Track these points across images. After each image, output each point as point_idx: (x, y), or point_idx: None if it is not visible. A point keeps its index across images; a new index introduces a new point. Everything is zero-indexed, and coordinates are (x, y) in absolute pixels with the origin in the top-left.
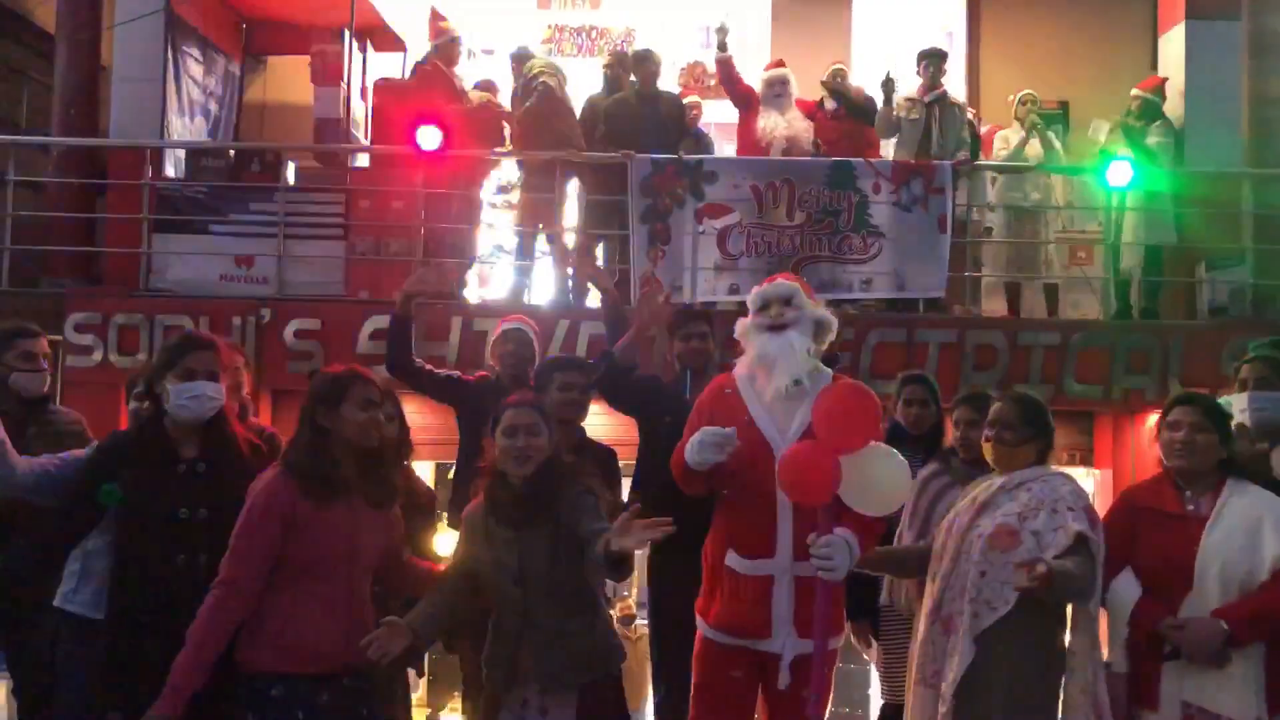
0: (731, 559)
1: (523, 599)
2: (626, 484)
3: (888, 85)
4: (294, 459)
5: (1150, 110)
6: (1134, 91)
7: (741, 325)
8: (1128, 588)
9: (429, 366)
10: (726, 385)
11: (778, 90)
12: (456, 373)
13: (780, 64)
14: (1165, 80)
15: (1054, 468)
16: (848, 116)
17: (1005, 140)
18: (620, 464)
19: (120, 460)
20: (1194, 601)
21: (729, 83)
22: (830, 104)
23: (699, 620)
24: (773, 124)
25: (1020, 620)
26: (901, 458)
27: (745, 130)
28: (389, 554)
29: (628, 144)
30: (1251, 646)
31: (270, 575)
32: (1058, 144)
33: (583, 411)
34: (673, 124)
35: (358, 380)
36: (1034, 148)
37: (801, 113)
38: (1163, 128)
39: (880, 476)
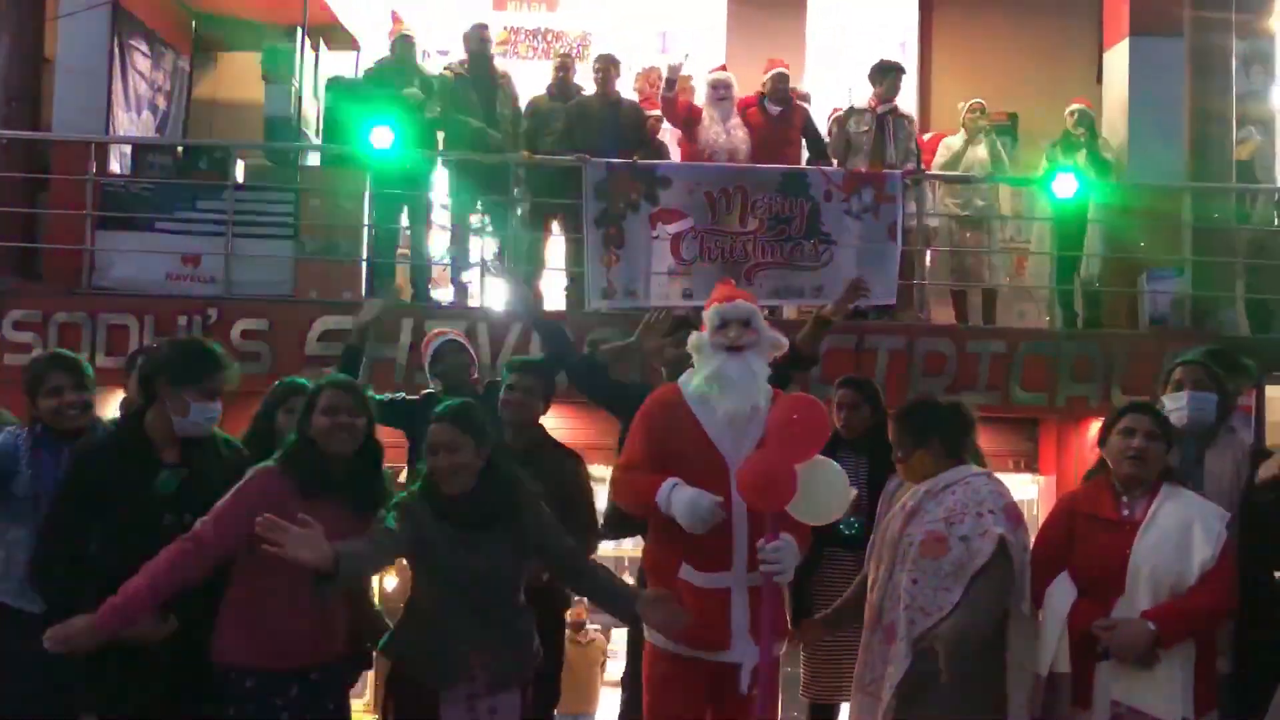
0: (686, 572)
1: (480, 599)
2: (600, 490)
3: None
4: (290, 456)
5: (1087, 122)
6: (1070, 108)
7: (695, 340)
8: (1063, 591)
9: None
10: (673, 399)
11: (721, 94)
12: (401, 394)
13: (723, 68)
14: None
15: (973, 467)
16: (784, 119)
17: (948, 147)
18: (590, 468)
19: (104, 463)
20: (1125, 604)
21: (670, 116)
22: (773, 108)
23: (648, 632)
24: (713, 137)
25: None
26: (839, 468)
27: (687, 144)
28: None
29: (587, 147)
30: (1180, 648)
31: (242, 560)
32: (1004, 154)
33: (529, 413)
34: (632, 131)
35: (324, 390)
36: (976, 154)
37: (740, 118)
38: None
39: (824, 486)
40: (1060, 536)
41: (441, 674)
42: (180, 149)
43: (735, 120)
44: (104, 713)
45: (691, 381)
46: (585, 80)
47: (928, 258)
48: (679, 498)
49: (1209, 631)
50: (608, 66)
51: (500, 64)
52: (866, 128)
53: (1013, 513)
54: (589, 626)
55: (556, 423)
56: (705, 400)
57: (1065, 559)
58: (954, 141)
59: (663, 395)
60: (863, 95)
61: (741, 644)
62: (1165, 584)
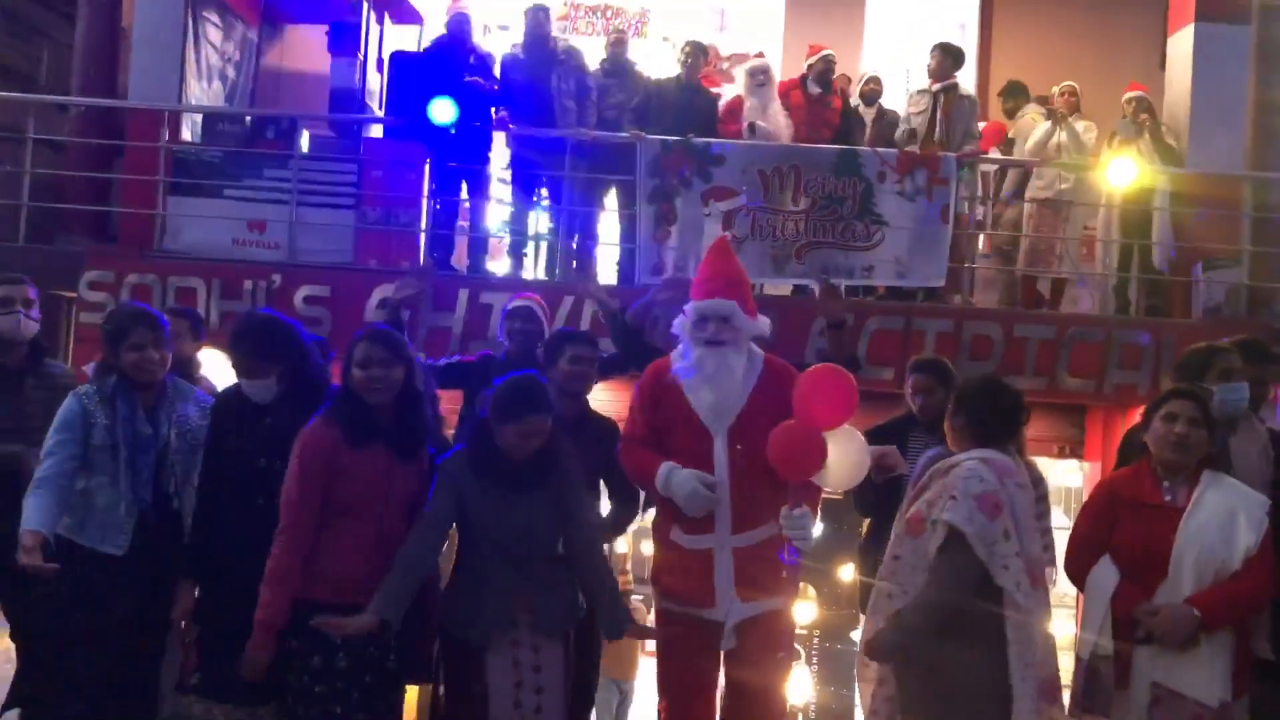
0: (676, 534)
1: (524, 555)
2: None
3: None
4: (334, 407)
5: (1145, 108)
6: (1127, 95)
7: (681, 324)
8: (1106, 574)
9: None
10: (663, 372)
11: (760, 80)
12: (456, 356)
13: (760, 55)
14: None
15: (989, 452)
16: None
17: (1034, 131)
18: None
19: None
20: (1168, 588)
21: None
22: (814, 89)
23: (653, 591)
24: (751, 124)
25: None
26: (862, 438)
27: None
28: (420, 499)
29: (658, 129)
30: (1220, 632)
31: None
32: (1083, 137)
33: (590, 384)
34: (705, 121)
35: (359, 342)
36: (1060, 139)
37: (781, 103)
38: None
39: (845, 455)
40: (1101, 521)
41: (486, 626)
42: (248, 119)
43: (776, 105)
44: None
45: (677, 363)
46: (639, 56)
47: (980, 241)
48: (677, 482)
49: (1250, 617)
50: (696, 54)
51: (566, 40)
52: (923, 108)
53: (986, 502)
54: (632, 598)
55: (597, 393)
56: (689, 375)
57: (1106, 543)
58: (1038, 126)
59: (655, 369)
60: (920, 77)
61: (725, 602)
62: (1209, 570)
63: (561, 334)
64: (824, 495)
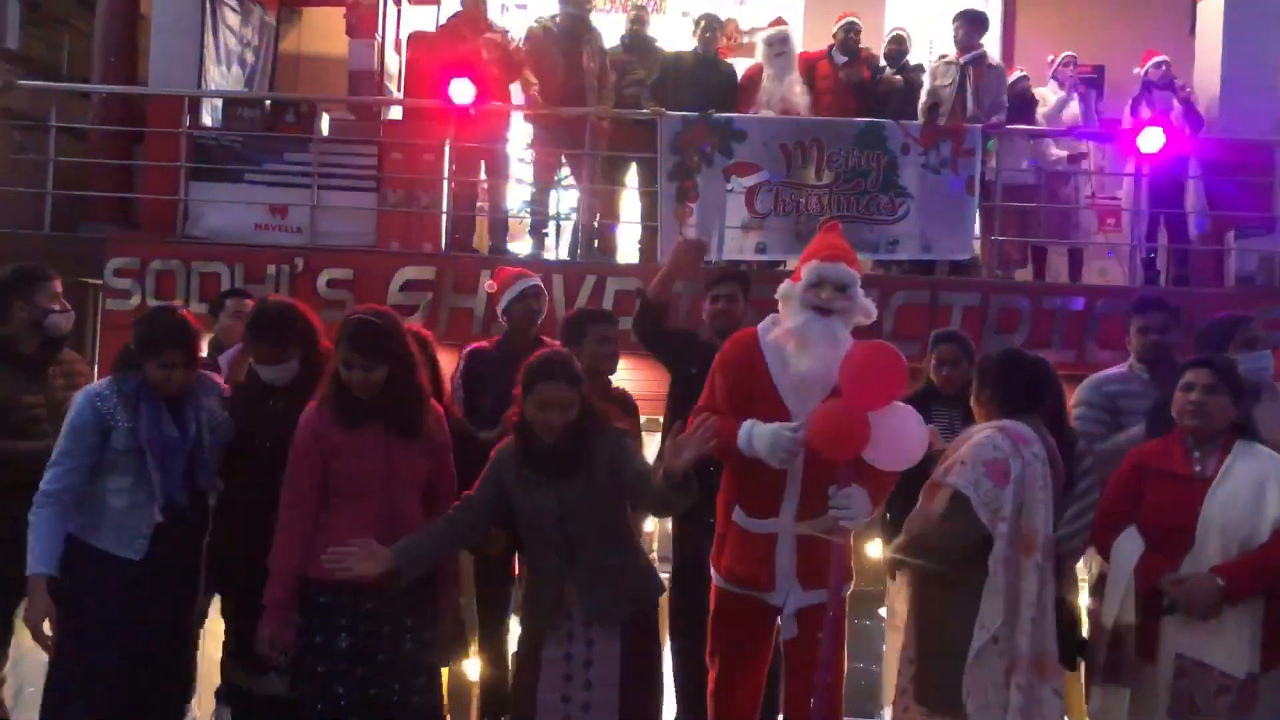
0: (738, 516)
1: (565, 540)
2: (647, 438)
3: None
4: (326, 395)
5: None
6: (1152, 62)
7: (785, 288)
8: (1131, 544)
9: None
10: (751, 345)
11: (778, 50)
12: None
13: (780, 21)
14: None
15: (1006, 422)
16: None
17: (1043, 99)
18: (643, 419)
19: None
20: (1193, 559)
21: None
22: (840, 58)
23: (713, 571)
24: (768, 94)
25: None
26: (919, 416)
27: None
28: (432, 477)
29: (676, 103)
30: (1249, 602)
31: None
32: (1095, 107)
33: (615, 362)
34: (724, 93)
35: (342, 338)
36: (1072, 109)
37: (801, 73)
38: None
39: (900, 434)
40: (1129, 491)
41: (539, 615)
42: (268, 103)
43: (794, 76)
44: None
45: (771, 331)
46: (659, 33)
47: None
48: (760, 434)
49: (1276, 587)
50: (714, 27)
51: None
52: (950, 80)
53: (994, 468)
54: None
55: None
56: (780, 352)
57: (1132, 514)
58: (1048, 94)
59: (742, 339)
60: (944, 47)
61: (785, 587)
62: (1236, 540)
63: (584, 314)
64: None
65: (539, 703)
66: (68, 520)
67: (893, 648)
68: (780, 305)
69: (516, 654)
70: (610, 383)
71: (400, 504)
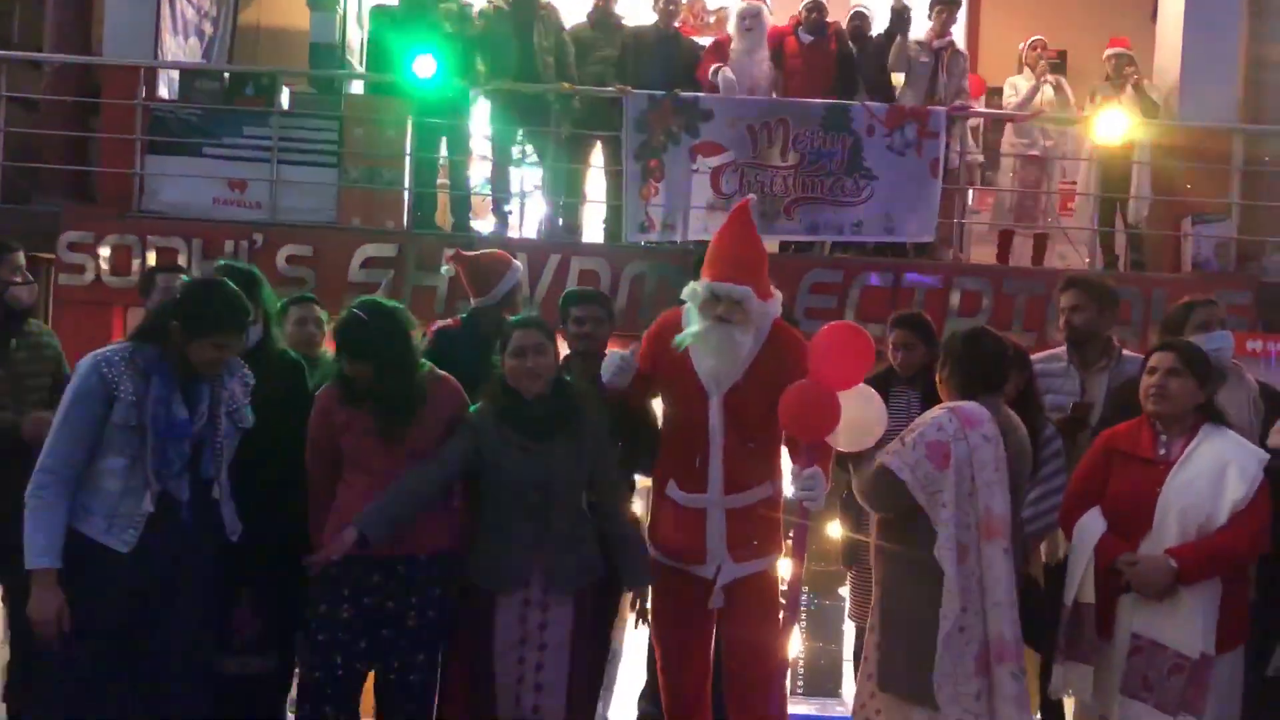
0: (671, 490)
1: (543, 505)
2: None
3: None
4: (335, 376)
5: (1126, 62)
6: (1109, 51)
7: (690, 292)
8: (1092, 524)
9: None
10: (673, 325)
11: (748, 24)
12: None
13: None
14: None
15: (964, 404)
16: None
17: (1014, 87)
18: None
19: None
20: (1152, 541)
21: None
22: (806, 37)
23: (648, 544)
24: (738, 67)
25: (898, 542)
26: (879, 398)
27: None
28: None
29: (637, 79)
30: (1206, 584)
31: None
32: (1069, 92)
33: (599, 344)
34: (685, 69)
35: (338, 328)
36: (1045, 94)
37: (769, 50)
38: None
39: (862, 415)
40: (1095, 472)
41: (499, 579)
42: (227, 75)
43: (762, 54)
44: None
45: (685, 323)
46: (625, 9)
47: (970, 197)
48: (605, 362)
49: (1237, 570)
50: (674, 2)
51: None
52: (926, 58)
53: (935, 450)
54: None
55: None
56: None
57: (1098, 495)
58: (1019, 82)
59: (668, 318)
60: (917, 28)
61: (715, 560)
62: (1194, 523)
63: (566, 295)
64: None
65: (496, 663)
66: (69, 502)
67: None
68: (688, 304)
69: (459, 607)
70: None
71: None
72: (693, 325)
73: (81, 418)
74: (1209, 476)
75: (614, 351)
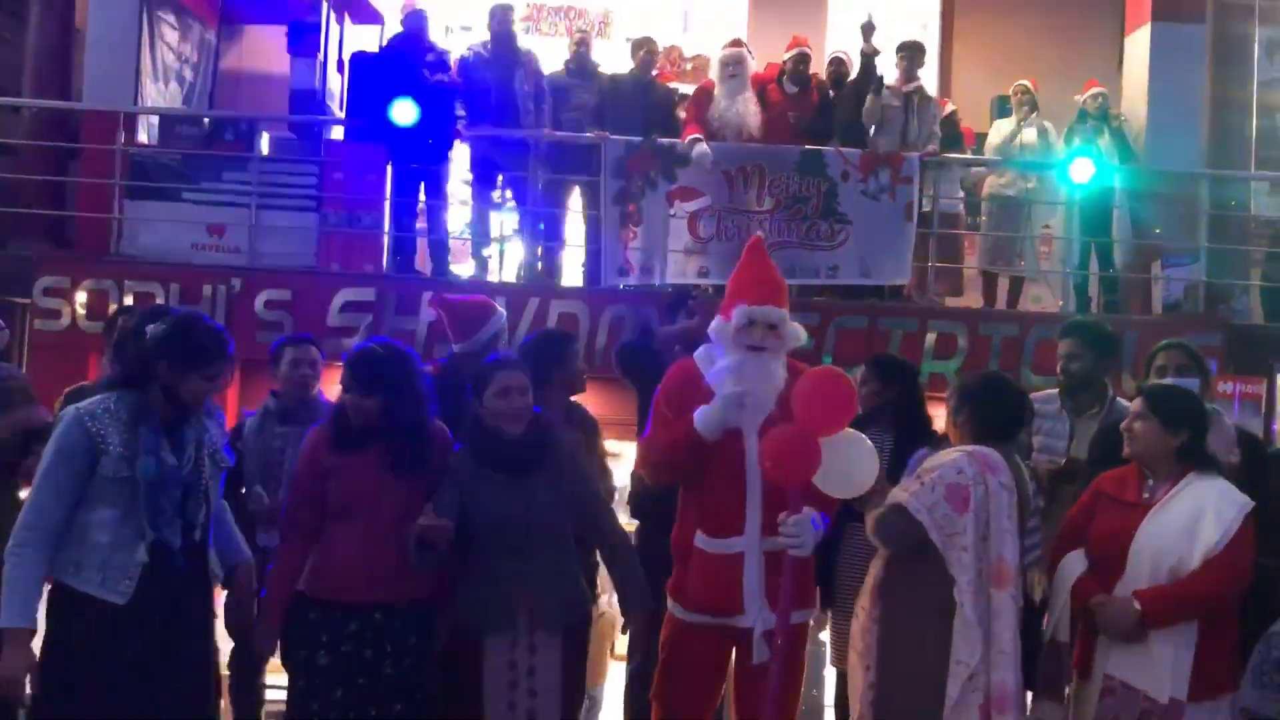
0: (701, 540)
1: (525, 543)
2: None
3: (867, 28)
4: (331, 416)
5: (1105, 105)
6: (1090, 93)
7: (718, 327)
8: (1073, 565)
9: None
10: (693, 375)
11: (732, 71)
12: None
13: (737, 43)
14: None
15: (980, 448)
16: (802, 99)
17: (999, 130)
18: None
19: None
20: (1125, 583)
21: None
22: (790, 87)
23: (670, 603)
24: (722, 112)
25: (906, 582)
26: (867, 441)
27: (694, 123)
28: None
29: (615, 125)
30: (1179, 629)
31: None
32: (1053, 135)
33: (583, 382)
34: (662, 114)
35: (347, 362)
36: (1026, 136)
37: (754, 93)
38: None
39: (852, 461)
40: (1083, 515)
41: (486, 621)
42: (207, 120)
43: (747, 95)
44: None
45: (709, 366)
46: (602, 57)
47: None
48: (706, 407)
49: (1214, 615)
50: (651, 50)
51: (524, 41)
52: (898, 103)
53: (955, 493)
54: (600, 601)
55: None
56: (718, 374)
57: (1083, 537)
58: (1004, 125)
59: (682, 371)
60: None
61: (754, 609)
62: (1164, 567)
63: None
64: None
65: (487, 708)
66: (49, 558)
67: (854, 677)
68: (715, 342)
69: (447, 650)
70: (572, 404)
71: (395, 525)
72: (723, 361)
73: (65, 474)
74: (1184, 521)
75: (730, 393)
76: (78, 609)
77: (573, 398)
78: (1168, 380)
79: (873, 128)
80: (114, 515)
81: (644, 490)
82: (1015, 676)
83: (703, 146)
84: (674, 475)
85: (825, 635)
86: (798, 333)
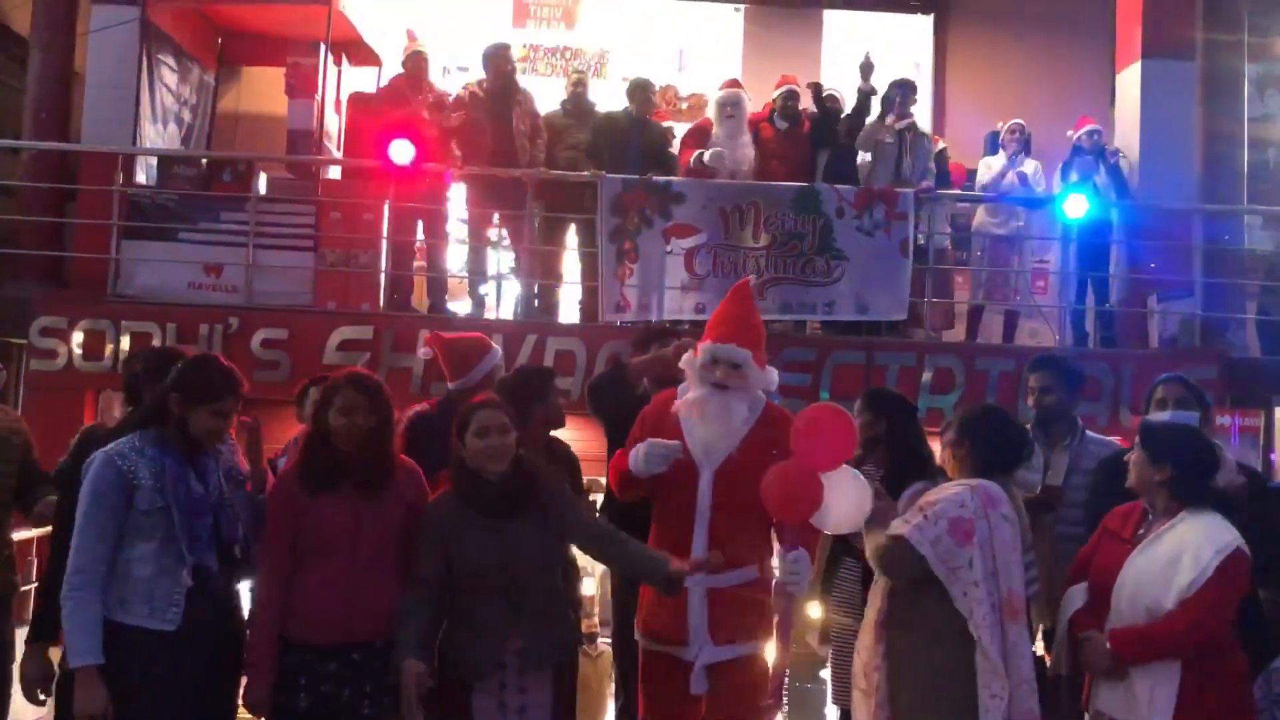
0: None
1: (511, 586)
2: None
3: (866, 67)
4: (302, 455)
5: (1099, 141)
6: (1085, 129)
7: (688, 361)
8: (1074, 599)
9: None
10: (668, 403)
11: (729, 112)
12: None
13: (734, 84)
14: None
15: (980, 481)
16: (792, 136)
17: (988, 166)
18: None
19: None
20: (1112, 620)
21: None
22: (781, 124)
23: (636, 630)
24: (717, 155)
25: (910, 616)
26: (862, 478)
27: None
28: (411, 533)
29: (612, 163)
30: (1160, 666)
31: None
32: (1043, 174)
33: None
34: (657, 152)
35: (341, 388)
36: (1010, 178)
37: (749, 134)
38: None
39: (848, 496)
40: (1089, 550)
41: (473, 669)
42: (204, 161)
43: (745, 139)
44: None
45: (682, 396)
46: (599, 97)
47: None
48: (637, 450)
49: (1203, 652)
50: (646, 89)
51: (520, 81)
52: (891, 140)
53: (958, 527)
54: (599, 640)
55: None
56: (689, 409)
57: (1085, 572)
58: (993, 162)
59: (662, 398)
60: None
61: (697, 642)
62: (1141, 606)
63: (543, 370)
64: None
65: None
66: (102, 597)
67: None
68: (687, 376)
69: (434, 698)
70: (553, 440)
71: (367, 564)
72: (688, 394)
73: (105, 515)
74: (1164, 561)
75: (658, 442)
76: (132, 644)
77: (552, 432)
78: (1166, 414)
79: (868, 167)
80: (152, 548)
81: (610, 504)
82: (1035, 706)
83: (717, 149)
84: (631, 495)
85: (826, 673)
86: (767, 377)
